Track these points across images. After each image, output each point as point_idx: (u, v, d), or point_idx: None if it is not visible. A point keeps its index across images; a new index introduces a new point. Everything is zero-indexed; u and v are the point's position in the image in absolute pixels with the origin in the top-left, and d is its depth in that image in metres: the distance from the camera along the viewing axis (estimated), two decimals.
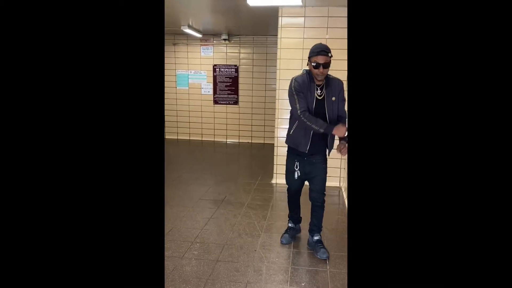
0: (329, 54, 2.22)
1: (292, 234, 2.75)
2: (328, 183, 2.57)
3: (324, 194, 2.50)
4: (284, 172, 2.63)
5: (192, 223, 3.01)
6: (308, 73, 2.32)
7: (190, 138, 7.05)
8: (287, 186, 2.64)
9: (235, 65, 6.65)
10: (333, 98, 2.33)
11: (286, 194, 2.73)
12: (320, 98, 2.32)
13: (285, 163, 2.61)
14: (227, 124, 6.90)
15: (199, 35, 6.11)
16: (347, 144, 2.29)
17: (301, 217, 2.81)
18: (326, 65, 2.21)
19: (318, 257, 2.48)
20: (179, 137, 7.10)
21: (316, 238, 2.58)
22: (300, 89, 2.29)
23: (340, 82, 2.35)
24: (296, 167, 2.45)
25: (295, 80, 2.32)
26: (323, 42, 3.92)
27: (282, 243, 2.65)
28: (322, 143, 2.41)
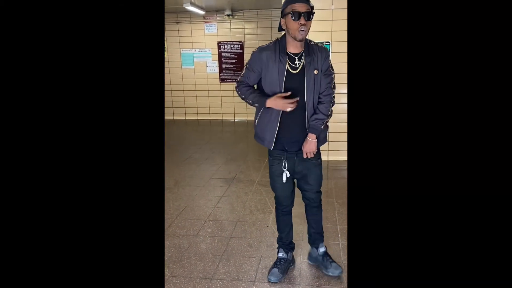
0: (310, 4, 1.63)
1: (283, 268, 2.01)
2: (336, 157, 2.53)
3: (321, 192, 1.98)
4: None
5: (205, 202, 3.07)
6: (279, 41, 1.73)
7: (198, 118, 7.05)
8: (273, 195, 2.02)
9: (240, 41, 6.54)
10: (315, 71, 1.70)
11: (274, 206, 2.10)
12: (295, 71, 1.70)
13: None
14: (234, 102, 6.87)
15: (202, 12, 5.99)
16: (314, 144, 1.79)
17: (294, 243, 2.12)
18: (308, 16, 1.59)
19: (330, 274, 1.97)
20: (187, 117, 7.11)
21: (322, 250, 2.04)
22: (256, 62, 1.73)
23: (324, 50, 1.75)
24: (284, 167, 1.84)
25: (258, 49, 1.75)
26: (329, 12, 3.80)
27: (270, 281, 1.96)
28: (303, 129, 1.80)
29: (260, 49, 1.74)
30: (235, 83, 1.86)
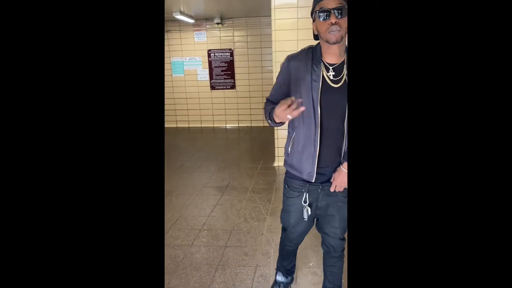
0: None
1: None
2: None
3: (345, 239, 1.57)
4: None
5: (199, 211, 3.06)
6: (312, 48, 1.39)
7: (190, 126, 7.04)
8: (282, 228, 1.71)
9: (230, 49, 6.57)
10: None
11: (280, 237, 1.80)
12: (336, 85, 1.33)
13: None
14: (225, 109, 6.88)
15: (191, 21, 6.01)
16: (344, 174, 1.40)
17: (295, 266, 1.93)
18: (342, 12, 1.23)
19: None
20: (178, 125, 7.09)
21: None
22: (283, 74, 1.42)
23: None
24: (305, 202, 1.46)
25: (286, 59, 1.43)
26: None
27: None
28: (338, 158, 1.43)
29: (289, 58, 1.40)
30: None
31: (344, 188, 1.42)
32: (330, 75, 1.33)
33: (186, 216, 2.96)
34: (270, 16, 3.94)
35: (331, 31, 1.26)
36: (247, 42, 6.50)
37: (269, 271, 2.15)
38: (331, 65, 1.34)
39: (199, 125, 7.02)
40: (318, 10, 1.27)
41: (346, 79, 1.31)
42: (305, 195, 1.47)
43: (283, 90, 1.42)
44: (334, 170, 1.42)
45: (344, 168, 1.38)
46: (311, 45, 1.41)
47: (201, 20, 6.41)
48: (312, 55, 1.37)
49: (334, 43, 1.28)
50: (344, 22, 1.25)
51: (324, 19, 1.27)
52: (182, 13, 5.42)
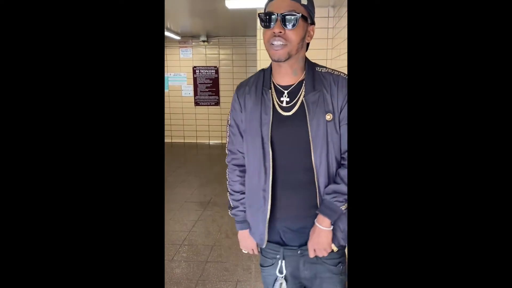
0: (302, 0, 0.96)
1: None
2: None
3: None
4: None
5: (180, 226, 3.02)
6: (264, 70, 1.08)
7: (172, 141, 7.00)
8: None
9: (215, 66, 6.66)
10: (328, 116, 0.99)
11: None
12: (287, 113, 1.02)
13: None
14: (209, 126, 6.89)
15: (177, 38, 6.08)
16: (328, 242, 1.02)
17: None
18: (292, 21, 0.93)
19: None
20: None
21: None
22: (233, 109, 1.11)
23: (342, 79, 1.01)
24: (280, 272, 1.08)
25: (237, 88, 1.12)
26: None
27: None
28: (311, 210, 1.03)
29: (238, 86, 1.11)
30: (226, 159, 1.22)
31: (332, 252, 1.02)
32: (283, 101, 1.02)
33: (167, 231, 2.92)
34: (255, 35, 4.04)
35: (272, 44, 0.94)
36: (232, 60, 6.61)
37: (250, 287, 2.14)
38: (285, 88, 1.03)
39: (182, 141, 6.99)
40: (261, 13, 0.95)
41: (305, 102, 0.99)
42: (280, 264, 1.07)
43: (238, 137, 1.12)
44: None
45: (320, 225, 0.99)
46: (264, 68, 1.09)
47: (187, 37, 6.49)
48: (263, 77, 1.05)
49: (276, 61, 0.97)
50: (294, 35, 0.93)
51: (265, 26, 0.94)
52: (168, 29, 5.48)
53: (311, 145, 0.99)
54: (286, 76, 1.04)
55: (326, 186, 1.01)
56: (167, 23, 5.25)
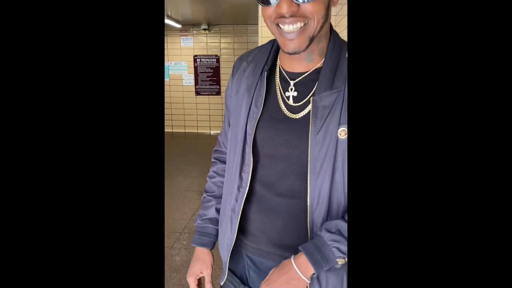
0: None
1: None
2: None
3: None
4: None
5: (180, 214, 3.03)
6: (274, 42, 0.78)
7: (173, 131, 6.99)
8: None
9: (216, 55, 6.61)
10: (343, 132, 0.66)
11: None
12: (293, 114, 0.71)
13: None
14: (210, 115, 6.87)
15: (178, 26, 6.02)
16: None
17: None
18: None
19: None
20: None
21: None
22: (231, 80, 0.83)
23: None
24: None
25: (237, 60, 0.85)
26: None
27: None
28: (301, 233, 0.71)
29: (239, 58, 0.84)
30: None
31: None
32: (289, 95, 0.72)
33: (167, 219, 2.93)
34: (257, 24, 4.00)
35: (280, 28, 0.64)
36: (234, 49, 6.55)
37: None
38: (292, 76, 0.73)
39: (183, 130, 6.98)
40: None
41: (312, 105, 0.67)
42: None
43: (226, 127, 0.88)
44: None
45: (295, 265, 0.66)
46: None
47: (188, 26, 6.42)
48: (268, 54, 0.76)
49: (292, 54, 0.66)
50: (316, 7, 0.62)
51: (264, 2, 0.63)
52: (169, 17, 5.42)
53: (308, 167, 0.67)
54: (296, 61, 0.72)
55: (323, 222, 0.68)
56: (168, 11, 5.19)
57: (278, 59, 0.77)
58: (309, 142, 0.68)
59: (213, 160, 0.99)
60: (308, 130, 0.68)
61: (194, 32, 6.51)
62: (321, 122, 0.67)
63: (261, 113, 0.73)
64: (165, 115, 6.97)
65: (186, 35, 6.55)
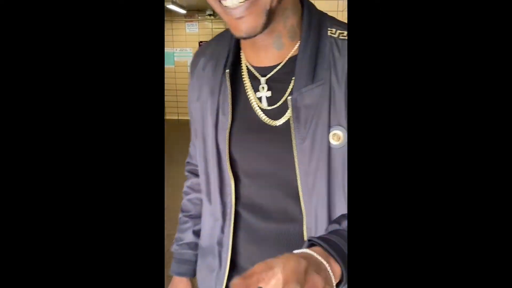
0: None
1: None
2: None
3: None
4: None
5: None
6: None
7: (179, 118, 6.99)
8: None
9: None
10: (335, 137, 0.52)
11: None
12: (271, 120, 0.57)
13: None
14: None
15: (183, 11, 5.95)
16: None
17: None
18: None
19: None
20: (167, 117, 7.04)
21: None
22: (192, 83, 0.70)
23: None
24: None
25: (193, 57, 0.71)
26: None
27: None
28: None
29: (195, 54, 0.73)
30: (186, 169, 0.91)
31: None
32: (261, 96, 0.58)
33: (174, 206, 2.95)
34: None
35: (227, 6, 0.50)
36: None
37: None
38: (262, 72, 0.59)
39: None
40: None
41: (291, 105, 0.54)
42: None
43: (194, 139, 0.76)
44: None
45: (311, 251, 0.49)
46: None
47: (193, 11, 6.35)
48: (228, 48, 0.62)
49: (241, 37, 0.52)
50: None
51: None
52: (174, 2, 5.35)
53: (299, 184, 0.55)
54: (262, 51, 0.57)
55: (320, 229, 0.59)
56: None
57: (241, 52, 0.61)
58: (295, 153, 0.54)
59: (186, 173, 0.87)
60: (286, 137, 0.55)
61: (199, 18, 6.43)
62: (306, 127, 0.53)
63: (232, 121, 0.59)
64: (171, 102, 6.96)
65: (191, 21, 6.48)
